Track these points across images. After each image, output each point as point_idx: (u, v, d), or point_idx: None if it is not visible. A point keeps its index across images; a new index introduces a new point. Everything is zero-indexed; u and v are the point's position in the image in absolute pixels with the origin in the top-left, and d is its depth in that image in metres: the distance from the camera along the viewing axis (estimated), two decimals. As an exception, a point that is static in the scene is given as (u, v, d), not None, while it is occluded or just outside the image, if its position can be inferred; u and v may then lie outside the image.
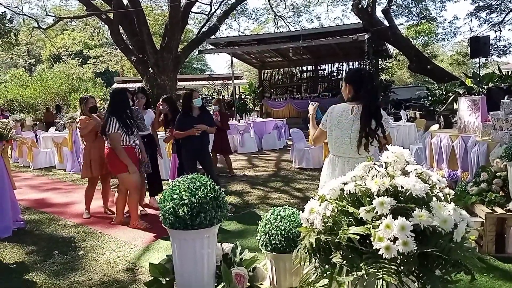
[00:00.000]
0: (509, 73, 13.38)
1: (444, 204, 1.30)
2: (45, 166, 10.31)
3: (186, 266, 1.45)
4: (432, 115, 12.46)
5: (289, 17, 24.84)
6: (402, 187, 1.29)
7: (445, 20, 27.25)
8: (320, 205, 1.38)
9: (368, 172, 1.41)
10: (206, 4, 20.74)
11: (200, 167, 5.78)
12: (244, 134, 11.58)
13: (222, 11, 20.57)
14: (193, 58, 39.57)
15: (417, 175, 1.41)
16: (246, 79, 29.22)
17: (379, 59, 18.81)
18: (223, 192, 1.51)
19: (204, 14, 21.80)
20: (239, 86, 27.06)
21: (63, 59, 31.11)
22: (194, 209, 1.37)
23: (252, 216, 5.24)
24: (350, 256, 1.27)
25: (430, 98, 13.21)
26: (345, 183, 1.45)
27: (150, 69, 17.04)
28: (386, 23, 15.76)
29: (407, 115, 10.29)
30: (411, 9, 20.24)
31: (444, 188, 1.42)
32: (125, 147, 4.74)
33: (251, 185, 7.28)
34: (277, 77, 21.83)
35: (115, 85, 29.98)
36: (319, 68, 20.69)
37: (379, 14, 16.51)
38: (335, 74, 20.22)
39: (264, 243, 1.68)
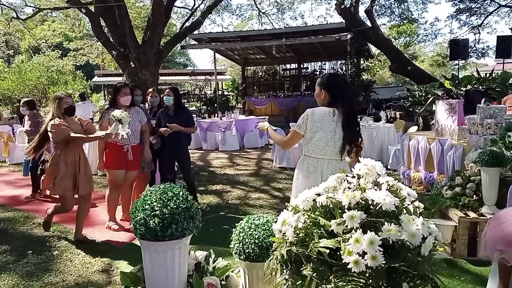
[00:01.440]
0: (487, 75, 13.68)
1: (413, 217, 1.32)
2: (22, 161, 10.08)
3: (157, 277, 1.44)
4: (412, 116, 12.65)
5: (273, 14, 24.80)
6: (373, 200, 1.31)
7: (426, 21, 27.53)
8: (292, 217, 1.39)
9: (341, 184, 1.42)
10: (190, -2, 20.54)
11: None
12: (226, 131, 11.55)
13: (205, 6, 20.43)
14: (176, 52, 39.18)
15: (388, 187, 1.43)
16: (229, 75, 29.10)
17: (361, 59, 18.98)
18: (195, 203, 1.50)
19: (188, 8, 21.59)
20: (222, 82, 26.96)
21: (42, 51, 30.46)
22: (166, 220, 1.36)
23: (228, 219, 5.26)
24: (320, 268, 1.28)
25: (410, 99, 13.40)
26: (318, 194, 1.46)
27: (131, 63, 16.81)
28: (368, 23, 15.89)
29: (386, 116, 10.40)
30: (394, 10, 20.45)
31: (414, 201, 1.44)
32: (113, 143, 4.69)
33: (231, 184, 7.27)
34: (260, 74, 21.81)
35: (95, 79, 29.53)
36: (302, 66, 20.75)
37: (362, 14, 16.65)
38: (317, 72, 20.30)
39: (238, 251, 1.68)
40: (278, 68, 21.32)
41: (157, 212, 1.36)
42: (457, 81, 13.27)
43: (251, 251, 1.63)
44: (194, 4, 20.45)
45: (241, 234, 1.69)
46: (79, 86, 27.46)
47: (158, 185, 1.47)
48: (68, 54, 29.30)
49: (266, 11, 24.33)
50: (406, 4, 21.11)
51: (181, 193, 1.41)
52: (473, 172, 4.33)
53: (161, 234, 1.36)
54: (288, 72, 21.29)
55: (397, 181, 1.52)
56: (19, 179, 8.15)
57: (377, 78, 35.94)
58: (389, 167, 7.96)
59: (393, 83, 32.59)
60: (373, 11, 16.69)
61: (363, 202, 1.33)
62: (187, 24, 19.62)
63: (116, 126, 4.26)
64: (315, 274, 1.27)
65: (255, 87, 21.10)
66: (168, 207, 1.37)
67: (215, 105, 17.29)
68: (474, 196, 4.25)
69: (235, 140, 11.63)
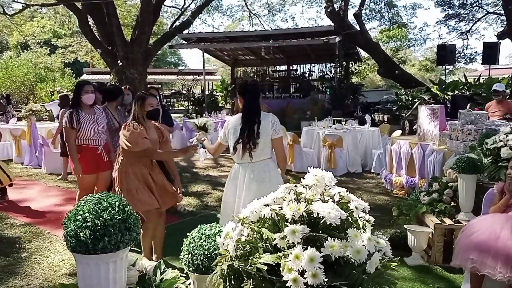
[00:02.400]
0: (474, 80, 13.76)
1: (361, 232, 1.26)
2: (2, 159, 9.89)
3: (92, 291, 1.36)
4: (398, 120, 12.66)
5: (264, 16, 24.79)
6: (318, 214, 1.24)
7: (416, 26, 27.76)
8: (233, 229, 1.32)
9: (288, 195, 1.35)
10: (180, -2, 20.43)
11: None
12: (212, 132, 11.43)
13: (196, 6, 20.32)
14: (167, 51, 38.95)
15: (339, 199, 1.36)
16: (220, 75, 28.99)
17: (350, 62, 19.00)
18: (135, 213, 1.42)
19: (178, 8, 21.45)
20: (211, 83, 26.84)
21: (31, 47, 30.09)
22: (98, 232, 1.28)
23: (205, 222, 5.15)
24: (261, 285, 1.21)
25: (397, 103, 13.44)
26: (266, 205, 1.39)
27: (119, 61, 16.64)
28: (357, 27, 15.90)
29: (372, 119, 10.38)
30: (383, 14, 20.53)
31: (365, 214, 1.37)
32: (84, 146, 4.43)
33: (212, 186, 7.19)
34: (250, 75, 21.74)
35: (84, 76, 29.23)
36: (291, 68, 20.73)
37: (351, 17, 16.67)
38: (306, 75, 20.29)
39: (187, 262, 1.61)
40: (268, 70, 21.27)
41: (89, 224, 1.27)
42: (444, 86, 13.33)
43: (200, 262, 1.56)
44: (184, 4, 20.34)
45: (191, 244, 1.61)
46: (67, 84, 27.11)
47: (94, 195, 1.39)
48: (57, 51, 28.98)
49: (257, 12, 24.33)
50: (396, 9, 21.21)
51: (117, 203, 1.33)
52: (451, 179, 4.30)
53: (92, 247, 1.28)
54: (277, 73, 21.26)
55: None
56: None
57: (367, 81, 36.09)
58: (372, 170, 7.95)
59: (384, 87, 32.75)
60: (362, 15, 16.70)
61: (307, 216, 1.26)
62: (177, 23, 19.52)
63: (201, 136, 3.61)
64: (256, 291, 1.20)
65: (244, 88, 21.00)
66: (101, 218, 1.29)
67: (203, 105, 17.17)
68: (452, 202, 4.22)
69: (221, 141, 11.52)
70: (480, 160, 4.02)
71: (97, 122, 4.46)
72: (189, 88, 19.34)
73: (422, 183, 5.93)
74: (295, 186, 1.38)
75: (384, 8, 20.30)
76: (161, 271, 1.66)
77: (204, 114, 14.02)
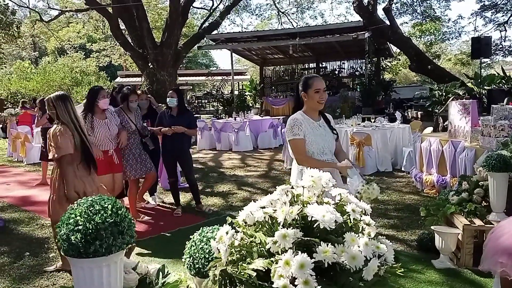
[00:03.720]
0: (513, 74, 13.18)
1: (359, 236, 1.19)
2: (38, 162, 10.27)
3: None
4: (431, 117, 12.26)
5: (293, 14, 24.62)
6: (312, 217, 1.18)
7: (449, 19, 26.75)
8: (226, 234, 1.28)
9: (282, 197, 1.29)
10: (208, -1, 20.59)
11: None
12: (239, 132, 11.46)
13: (224, 7, 20.44)
14: (198, 53, 39.35)
15: (339, 201, 1.30)
16: (250, 75, 29.03)
17: (381, 58, 18.58)
18: (129, 217, 1.40)
19: (206, 9, 21.63)
20: (239, 83, 26.90)
21: (67, 52, 31.12)
22: (89, 236, 1.27)
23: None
24: (254, 291, 1.16)
25: (431, 98, 13.01)
26: (263, 207, 1.34)
27: (149, 64, 16.95)
28: (387, 21, 15.52)
29: (403, 116, 10.09)
30: (415, 8, 19.93)
31: (365, 217, 1.30)
32: None
33: (238, 186, 7.18)
34: (278, 74, 21.64)
35: (118, 79, 29.99)
36: (320, 65, 20.49)
37: (381, 12, 16.28)
38: (336, 72, 20.00)
39: (188, 266, 1.58)
40: (296, 68, 21.10)
41: (80, 227, 1.27)
42: (479, 80, 12.82)
43: (201, 266, 1.53)
44: (213, 5, 20.49)
45: (192, 247, 1.59)
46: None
47: (87, 198, 1.38)
48: (91, 55, 29.84)
49: (286, 10, 24.21)
50: (428, 1, 20.56)
51: (109, 206, 1.32)
52: (481, 177, 4.09)
53: (83, 251, 1.27)
54: (306, 71, 21.05)
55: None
56: (33, 179, 8.27)
57: (401, 77, 35.27)
58: (403, 169, 7.73)
59: (419, 82, 31.90)
60: (392, 9, 16.29)
61: (301, 219, 1.21)
62: (206, 24, 19.70)
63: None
64: (248, 297, 1.15)
65: (273, 87, 20.95)
66: (93, 221, 1.28)
67: (232, 105, 17.24)
68: (483, 202, 4.02)
69: (249, 141, 11.53)
70: (513, 157, 3.81)
71: (108, 127, 4.53)
72: (218, 89, 19.46)
73: (454, 182, 5.69)
74: (292, 188, 1.32)
75: (416, 2, 19.71)
76: (164, 274, 1.64)
77: (233, 114, 14.04)
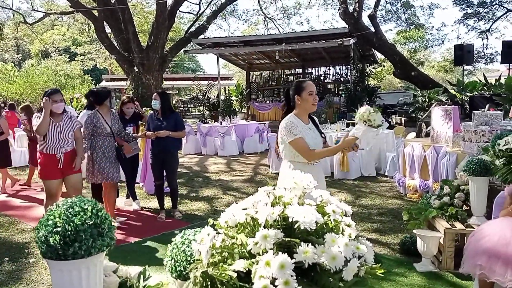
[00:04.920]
0: (495, 80, 13.40)
1: (339, 237, 1.20)
2: (20, 165, 10.10)
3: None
4: (414, 122, 12.43)
5: (279, 19, 24.74)
6: (293, 218, 1.19)
7: (433, 27, 27.21)
8: (208, 235, 1.27)
9: (264, 198, 1.30)
10: (195, 3, 20.59)
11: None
12: (225, 136, 11.45)
13: (211, 11, 20.46)
14: (185, 57, 39.26)
15: (320, 202, 1.31)
16: (236, 80, 29.04)
17: (366, 64, 18.79)
18: (109, 218, 1.39)
19: (193, 14, 21.62)
20: (226, 88, 26.90)
21: (51, 55, 30.74)
22: (68, 237, 1.25)
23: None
24: (235, 293, 1.16)
25: (414, 104, 13.20)
26: (245, 209, 1.34)
27: (135, 67, 16.87)
28: (372, 28, 15.72)
29: (387, 122, 10.20)
30: (400, 15, 20.24)
31: (346, 218, 1.31)
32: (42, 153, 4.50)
33: (223, 190, 7.16)
34: (264, 79, 21.70)
35: (103, 83, 29.69)
36: (306, 71, 20.61)
37: (366, 19, 16.48)
38: (322, 77, 20.15)
39: (170, 269, 1.57)
40: (282, 73, 21.19)
41: (59, 229, 1.25)
42: (462, 87, 13.05)
43: (182, 268, 1.52)
44: (200, 9, 20.49)
45: (174, 250, 1.58)
46: (87, 91, 27.53)
47: (66, 199, 1.37)
48: (76, 58, 29.52)
49: (272, 16, 24.32)
50: (412, 9, 20.91)
51: (89, 207, 1.30)
52: (462, 181, 4.16)
53: (62, 253, 1.25)
54: (292, 77, 21.14)
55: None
56: (12, 184, 8.11)
57: (385, 84, 35.65)
58: (386, 174, 7.81)
59: (403, 89, 32.30)
60: (377, 16, 16.50)
61: (283, 220, 1.21)
62: (192, 29, 19.68)
63: (367, 132, 2.88)
64: (229, 299, 1.15)
65: (259, 92, 20.99)
66: (72, 223, 1.26)
67: (218, 109, 17.23)
68: (464, 206, 4.09)
69: (234, 145, 11.53)
70: (493, 162, 3.88)
71: (60, 130, 4.45)
72: (204, 93, 19.43)
73: (436, 186, 5.77)
74: (273, 189, 1.33)
75: (400, 9, 20.02)
76: (145, 277, 1.63)
77: (219, 118, 14.01)
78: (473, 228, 3.66)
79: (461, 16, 20.22)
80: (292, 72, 21.14)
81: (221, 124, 12.14)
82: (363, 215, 5.47)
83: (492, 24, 19.87)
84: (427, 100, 12.39)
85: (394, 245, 4.41)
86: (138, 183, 6.96)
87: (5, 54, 31.07)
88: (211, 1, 20.55)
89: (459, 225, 3.79)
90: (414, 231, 3.89)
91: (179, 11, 20.11)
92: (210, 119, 17.09)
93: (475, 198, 3.78)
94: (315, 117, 3.36)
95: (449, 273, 3.70)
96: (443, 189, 4.24)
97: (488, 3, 19.27)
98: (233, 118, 14.30)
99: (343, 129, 8.67)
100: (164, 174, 5.65)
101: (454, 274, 3.66)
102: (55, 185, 4.55)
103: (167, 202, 5.83)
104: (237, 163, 10.05)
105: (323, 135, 3.28)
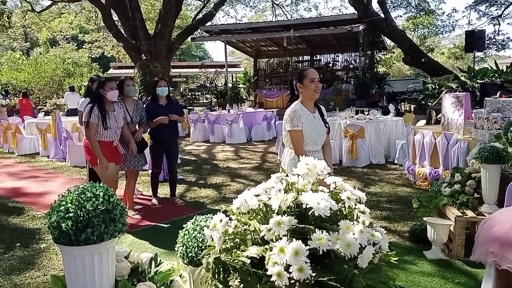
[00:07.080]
0: (507, 67, 13.18)
1: (354, 224, 1.18)
2: (29, 153, 10.18)
3: (80, 283, 1.33)
4: (424, 110, 12.29)
5: (287, 6, 24.48)
6: (307, 204, 1.17)
7: (444, 13, 26.78)
8: (220, 221, 1.26)
9: (277, 185, 1.28)
10: (202, -10, 20.40)
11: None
12: (233, 124, 11.43)
13: (218, -2, 20.26)
14: (192, 45, 39.08)
15: (334, 188, 1.29)
16: (244, 68, 28.90)
17: (375, 51, 18.58)
18: (121, 204, 1.38)
19: (200, 1, 21.45)
20: (233, 75, 26.77)
21: (59, 43, 30.75)
22: (80, 223, 1.25)
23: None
24: (247, 279, 1.15)
25: (424, 91, 13.04)
26: (257, 195, 1.33)
27: (142, 55, 16.82)
28: (382, 14, 15.49)
29: (397, 110, 10.12)
30: (410, 1, 19.91)
31: (360, 205, 1.29)
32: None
33: (231, 178, 7.16)
34: (272, 67, 21.57)
35: (111, 71, 29.71)
36: (314, 58, 20.44)
37: (376, 6, 16.24)
38: (330, 64, 19.98)
39: (181, 255, 1.57)
40: (291, 60, 21.04)
41: (71, 215, 1.25)
42: (472, 74, 12.85)
43: (194, 254, 1.52)
44: (207, -4, 20.32)
45: (185, 236, 1.57)
46: (95, 79, 27.51)
47: (78, 185, 1.36)
48: (84, 46, 29.52)
49: (280, 2, 24.06)
50: (423, -6, 20.56)
51: (101, 193, 1.30)
52: (474, 169, 4.11)
53: (74, 238, 1.25)
54: (300, 64, 20.99)
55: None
56: (23, 171, 8.20)
57: (395, 71, 35.29)
58: (395, 161, 7.75)
59: (412, 76, 31.99)
60: (387, 2, 16.25)
61: (296, 207, 1.19)
62: (200, 16, 19.55)
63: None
64: (242, 285, 1.14)
65: (266, 80, 20.88)
66: (84, 209, 1.26)
67: (226, 97, 17.18)
68: (475, 194, 4.05)
69: (242, 133, 11.51)
70: (505, 150, 3.83)
71: (115, 119, 4.50)
72: (212, 81, 19.37)
73: (446, 174, 5.72)
74: (286, 175, 1.31)
75: (410, -5, 19.70)
76: (156, 263, 1.63)
77: (227, 106, 13.97)
78: (484, 216, 3.63)
79: (472, 2, 19.86)
80: (300, 59, 20.98)
81: (228, 112, 12.10)
82: (372, 202, 5.45)
83: (504, 10, 19.47)
84: (437, 87, 12.22)
85: (404, 232, 4.39)
86: (146, 170, 6.98)
87: (13, 42, 31.15)
88: (218, -12, 20.34)
89: (470, 213, 3.76)
90: (425, 218, 3.86)
91: (186, -3, 19.95)
92: (217, 107, 17.05)
93: (486, 186, 3.74)
94: (322, 106, 3.34)
95: (459, 261, 3.67)
96: (454, 176, 4.19)
97: (501, -12, 18.88)
98: (241, 105, 14.25)
99: (352, 117, 8.60)
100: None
101: (464, 262, 3.64)
102: (115, 171, 4.61)
103: (177, 190, 5.87)
104: (245, 151, 10.04)
105: (327, 125, 3.27)
